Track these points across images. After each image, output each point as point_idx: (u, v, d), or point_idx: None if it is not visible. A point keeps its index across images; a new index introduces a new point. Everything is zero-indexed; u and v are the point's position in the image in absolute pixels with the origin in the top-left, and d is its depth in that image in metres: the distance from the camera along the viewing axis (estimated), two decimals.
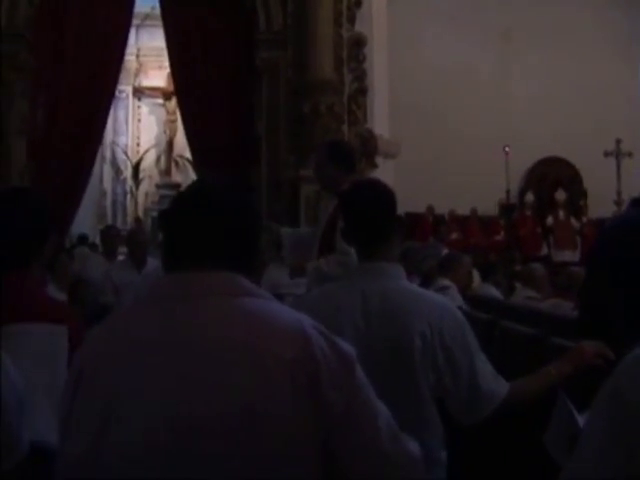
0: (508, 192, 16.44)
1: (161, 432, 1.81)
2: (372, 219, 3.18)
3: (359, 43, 14.28)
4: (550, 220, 19.21)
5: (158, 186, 21.09)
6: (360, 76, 14.28)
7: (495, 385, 3.00)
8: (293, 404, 1.83)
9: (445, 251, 10.24)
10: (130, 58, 20.71)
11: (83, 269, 10.66)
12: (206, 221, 2.05)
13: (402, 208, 11.89)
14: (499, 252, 16.26)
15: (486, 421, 3.02)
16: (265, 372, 1.84)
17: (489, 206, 18.37)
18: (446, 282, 7.41)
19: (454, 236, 18.21)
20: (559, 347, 4.00)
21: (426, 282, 8.14)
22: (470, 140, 17.91)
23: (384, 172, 14.91)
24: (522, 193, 19.50)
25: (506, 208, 17.03)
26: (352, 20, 14.27)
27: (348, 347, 2.00)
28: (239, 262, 2.05)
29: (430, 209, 18.28)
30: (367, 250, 3.19)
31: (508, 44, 19.05)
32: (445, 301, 3.18)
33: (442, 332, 2.96)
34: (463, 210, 18.33)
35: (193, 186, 2.23)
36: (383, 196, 3.25)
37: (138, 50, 21.14)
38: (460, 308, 4.54)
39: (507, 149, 15.64)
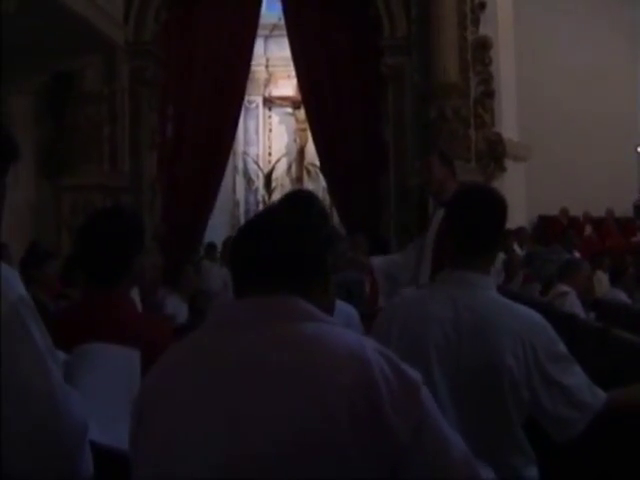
0: None
1: (223, 466, 1.81)
2: (476, 228, 3.09)
3: (484, 46, 14.11)
4: None
5: None
6: (486, 79, 14.11)
7: (591, 397, 2.89)
8: (353, 432, 1.79)
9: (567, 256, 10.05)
10: (259, 68, 20.98)
11: (203, 280, 10.83)
12: (266, 246, 2.04)
13: (535, 211, 11.87)
14: (636, 254, 15.81)
15: (580, 436, 2.89)
16: (322, 400, 1.81)
17: (626, 207, 17.88)
18: (565, 288, 7.25)
19: (588, 232, 17.77)
20: None
21: (546, 288, 7.99)
22: (602, 141, 17.49)
23: (514, 175, 14.75)
24: None
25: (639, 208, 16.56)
26: (476, 23, 14.12)
27: (413, 372, 1.94)
28: (304, 285, 2.03)
29: (564, 211, 17.86)
30: (464, 258, 3.09)
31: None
32: (536, 315, 3.04)
33: (535, 349, 2.86)
34: (598, 212, 17.86)
35: (258, 214, 2.24)
36: (492, 205, 3.15)
37: (267, 60, 21.32)
38: (572, 316, 4.40)
39: (639, 149, 15.23)
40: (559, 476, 3.61)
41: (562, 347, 2.94)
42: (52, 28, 10.43)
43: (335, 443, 1.79)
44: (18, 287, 2.14)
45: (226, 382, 1.88)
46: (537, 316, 3.03)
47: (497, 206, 3.15)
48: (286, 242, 2.05)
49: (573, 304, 6.97)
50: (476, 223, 3.08)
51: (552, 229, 17.42)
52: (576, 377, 2.90)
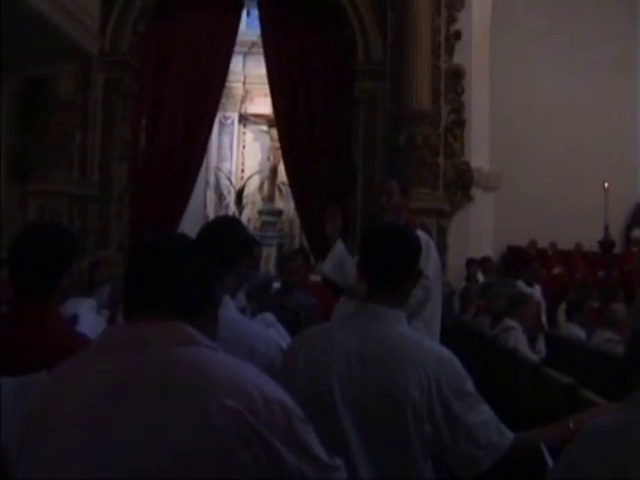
0: (607, 228, 16.03)
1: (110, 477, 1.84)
2: (388, 265, 3.11)
3: (457, 74, 14.24)
4: None
5: (261, 212, 21.19)
6: (457, 108, 14.24)
7: (497, 437, 2.87)
8: (241, 455, 1.85)
9: (528, 290, 10.06)
10: (236, 85, 21.07)
11: None
12: (154, 271, 2.10)
13: (504, 241, 11.85)
14: (601, 289, 15.86)
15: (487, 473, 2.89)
16: (210, 419, 1.86)
17: (593, 242, 17.94)
18: (511, 323, 7.25)
19: (556, 271, 17.81)
20: None
21: (495, 321, 8.00)
22: (572, 174, 17.53)
23: (483, 205, 14.84)
24: (628, 229, 18.99)
25: (604, 244, 16.57)
26: (451, 51, 14.27)
27: (287, 397, 2.01)
28: (190, 310, 2.08)
29: (533, 243, 17.87)
30: (376, 292, 3.10)
31: (614, 77, 18.61)
32: (444, 351, 3.03)
33: (440, 383, 2.84)
34: (566, 245, 17.89)
35: (148, 240, 2.26)
36: (404, 244, 3.17)
37: (245, 77, 21.38)
38: (512, 352, 4.41)
39: (606, 184, 15.29)
40: None
41: (469, 384, 2.92)
42: (25, 34, 10.41)
43: (230, 467, 1.85)
44: None
45: (109, 406, 1.90)
46: (445, 351, 3.02)
47: (410, 244, 3.18)
48: (173, 267, 2.10)
49: (517, 340, 6.97)
50: (388, 261, 3.10)
51: (520, 260, 17.45)
52: (482, 415, 2.89)
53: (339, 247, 6.07)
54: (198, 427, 1.85)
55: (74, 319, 5.19)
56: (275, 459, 1.90)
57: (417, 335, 3.10)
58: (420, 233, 5.59)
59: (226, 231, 3.76)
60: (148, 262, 2.14)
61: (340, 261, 6.03)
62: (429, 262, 5.31)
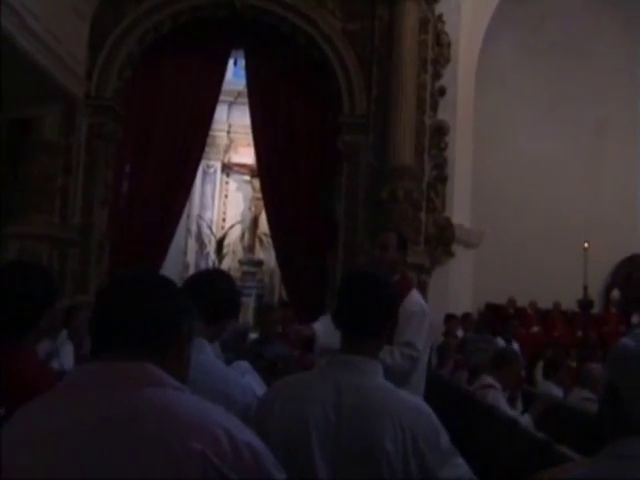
0: (586, 288, 16.12)
1: None
2: (363, 315, 3.08)
3: (441, 130, 14.32)
4: (635, 319, 18.65)
5: (241, 262, 21.21)
6: (440, 164, 14.31)
7: None
8: None
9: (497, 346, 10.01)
10: (221, 134, 21.17)
11: None
12: (122, 311, 2.09)
13: (482, 298, 11.85)
14: (579, 349, 15.88)
15: None
16: (176, 462, 1.84)
17: (572, 301, 17.98)
18: (490, 380, 7.20)
19: (535, 329, 17.83)
20: None
21: (473, 376, 7.95)
22: (554, 233, 17.64)
23: (463, 261, 14.87)
24: (608, 289, 19.07)
25: (583, 304, 16.64)
26: (435, 107, 14.36)
27: (255, 439, 2.00)
28: (157, 351, 2.07)
29: (511, 301, 17.91)
30: (350, 342, 3.07)
31: (599, 137, 18.79)
32: (421, 403, 3.02)
33: (415, 436, 2.82)
34: (545, 303, 17.93)
35: (113, 279, 2.26)
36: (379, 293, 3.13)
37: (229, 126, 21.51)
38: (489, 408, 4.39)
39: (586, 245, 15.38)
40: None
41: (445, 438, 2.89)
42: (12, 76, 10.42)
43: None
44: None
45: (73, 446, 1.88)
46: (422, 405, 3.00)
47: (385, 293, 3.15)
48: (140, 309, 2.08)
49: (496, 398, 6.93)
50: (363, 310, 3.07)
51: (499, 318, 17.47)
52: (457, 469, 2.86)
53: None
54: (163, 470, 1.82)
55: (49, 356, 5.16)
56: None
57: (393, 387, 3.06)
58: (419, 299, 5.55)
59: (219, 289, 3.76)
60: (112, 300, 2.13)
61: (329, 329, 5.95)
62: (421, 332, 5.21)
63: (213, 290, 3.67)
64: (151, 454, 1.84)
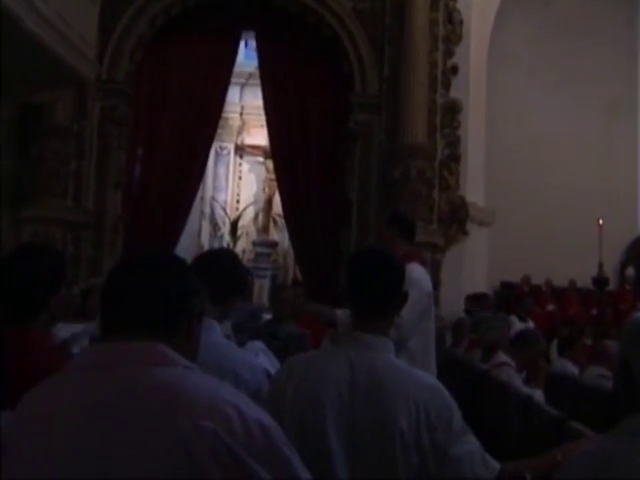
0: (601, 265, 16.07)
1: None
2: (373, 292, 3.07)
3: (453, 109, 14.25)
4: None
5: (255, 244, 21.17)
6: (453, 142, 14.23)
7: (482, 469, 2.83)
8: (218, 476, 1.84)
9: (521, 325, 9.98)
10: (233, 116, 21.10)
11: None
12: (127, 290, 2.09)
13: (497, 277, 11.81)
14: (594, 326, 15.83)
15: None
16: (184, 440, 1.84)
17: (587, 278, 17.92)
18: (504, 358, 7.18)
19: (550, 308, 17.79)
20: None
21: (487, 355, 7.93)
22: (568, 210, 17.55)
23: (478, 240, 14.82)
24: (623, 267, 18.99)
25: (599, 282, 16.59)
26: (447, 86, 14.28)
27: (266, 417, 2.00)
28: (166, 330, 2.07)
29: (526, 279, 17.86)
30: (361, 320, 3.07)
31: (612, 114, 18.68)
32: (434, 381, 3.03)
33: (428, 412, 2.82)
34: (560, 281, 17.89)
35: (123, 259, 2.28)
36: (389, 270, 3.13)
37: (242, 108, 21.44)
38: (503, 385, 4.39)
39: (601, 222, 15.33)
40: None
41: (457, 415, 2.89)
42: (23, 60, 10.44)
43: None
44: None
45: (82, 424, 1.88)
46: (435, 382, 3.01)
47: (394, 271, 3.15)
48: (151, 289, 2.08)
49: (510, 376, 6.91)
50: (373, 288, 3.07)
51: (513, 296, 17.43)
52: (468, 446, 2.86)
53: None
54: (172, 447, 1.83)
55: (65, 344, 5.16)
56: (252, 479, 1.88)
57: (405, 365, 3.07)
58: (411, 272, 5.55)
59: (224, 267, 3.75)
60: (122, 280, 2.13)
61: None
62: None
63: (217, 269, 3.66)
64: (160, 432, 1.84)
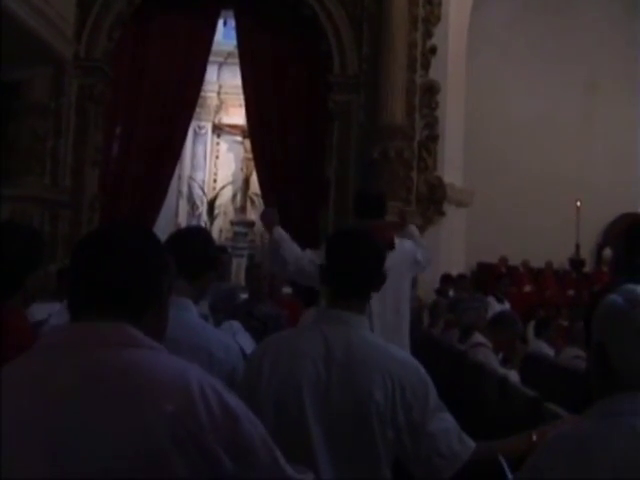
0: (578, 247, 16.15)
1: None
2: (350, 271, 3.08)
3: (432, 90, 14.26)
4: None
5: (233, 223, 21.11)
6: (431, 123, 14.25)
7: (459, 447, 2.86)
8: (178, 460, 1.82)
9: (498, 306, 10.01)
10: (211, 95, 21.03)
11: None
12: (97, 270, 2.03)
13: (474, 258, 11.80)
14: (570, 308, 15.91)
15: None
16: (145, 428, 1.82)
17: (564, 260, 18.01)
18: (481, 339, 7.21)
19: (527, 289, 17.84)
20: None
21: (464, 335, 7.97)
22: (546, 192, 17.61)
23: (455, 220, 14.84)
24: (600, 248, 19.07)
25: (575, 263, 16.67)
26: (426, 67, 14.29)
27: (234, 400, 1.97)
28: (134, 311, 2.03)
29: (503, 260, 17.91)
30: (339, 298, 3.07)
31: (590, 96, 18.74)
32: (409, 357, 3.06)
33: (404, 388, 2.84)
34: (537, 262, 17.95)
35: (86, 236, 2.19)
36: (366, 249, 3.13)
37: (219, 87, 21.33)
38: (479, 365, 4.40)
39: (578, 203, 15.40)
40: None
41: (433, 392, 2.92)
42: (0, 38, 10.35)
43: (162, 471, 1.80)
44: None
45: (48, 409, 1.86)
46: (410, 358, 3.05)
47: (371, 250, 3.15)
48: (117, 266, 2.03)
49: (487, 356, 6.94)
50: (350, 266, 3.07)
51: (491, 277, 17.45)
52: (444, 423, 2.89)
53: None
54: (133, 430, 1.81)
55: (39, 324, 5.14)
56: (214, 464, 1.86)
57: (382, 341, 3.09)
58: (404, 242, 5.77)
59: (195, 244, 3.75)
60: (88, 257, 2.07)
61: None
62: None
63: (189, 247, 3.66)
64: (121, 413, 1.83)
